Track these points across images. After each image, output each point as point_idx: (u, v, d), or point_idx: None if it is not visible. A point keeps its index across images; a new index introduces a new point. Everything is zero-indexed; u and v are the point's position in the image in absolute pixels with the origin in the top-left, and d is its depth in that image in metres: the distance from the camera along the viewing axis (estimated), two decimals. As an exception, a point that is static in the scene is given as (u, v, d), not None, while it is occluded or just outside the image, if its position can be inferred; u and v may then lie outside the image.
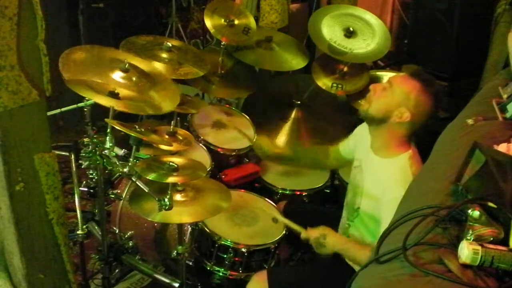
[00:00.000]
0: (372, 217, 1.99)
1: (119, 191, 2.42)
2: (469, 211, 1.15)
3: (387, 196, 1.88)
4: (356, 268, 2.01)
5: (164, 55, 2.42)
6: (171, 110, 2.17)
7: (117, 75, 1.86)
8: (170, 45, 2.44)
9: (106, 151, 1.88)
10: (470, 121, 1.70)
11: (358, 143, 2.19)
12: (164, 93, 1.91)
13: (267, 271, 2.10)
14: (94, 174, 2.07)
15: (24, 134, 1.68)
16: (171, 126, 2.21)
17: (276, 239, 2.31)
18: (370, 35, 2.86)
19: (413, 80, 1.92)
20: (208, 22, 2.89)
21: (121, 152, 1.89)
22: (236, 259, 2.27)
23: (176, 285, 2.15)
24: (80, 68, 1.77)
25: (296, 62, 3.07)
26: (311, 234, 2.05)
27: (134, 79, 1.89)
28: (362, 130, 2.15)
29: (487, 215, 1.14)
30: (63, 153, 2.36)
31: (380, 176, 1.95)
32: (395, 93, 1.91)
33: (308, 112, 2.98)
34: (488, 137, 1.53)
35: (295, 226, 2.19)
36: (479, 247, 1.06)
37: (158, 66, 2.31)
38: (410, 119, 1.89)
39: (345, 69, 2.90)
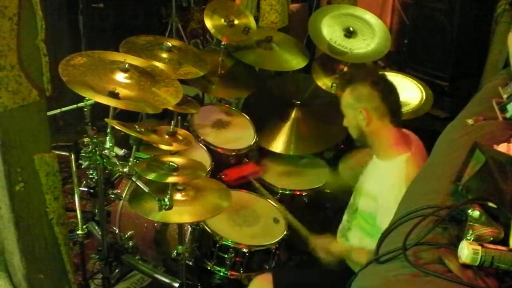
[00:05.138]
0: (369, 216, 2.01)
1: (119, 191, 2.42)
2: (469, 211, 1.15)
3: (382, 201, 1.91)
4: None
5: (164, 55, 2.41)
6: (172, 108, 2.17)
7: (118, 76, 1.86)
8: (170, 45, 2.44)
9: (106, 151, 1.87)
10: (470, 121, 1.70)
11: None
12: (166, 89, 1.90)
13: (272, 273, 2.10)
14: (94, 174, 2.07)
15: (24, 134, 1.68)
16: (171, 126, 2.21)
17: (277, 239, 2.31)
18: (370, 35, 2.86)
19: (344, 91, 2.04)
20: (208, 22, 2.89)
21: (121, 152, 1.89)
22: (237, 259, 2.27)
23: (176, 285, 2.15)
24: (80, 71, 1.77)
25: (296, 62, 3.07)
26: (318, 242, 2.12)
27: (134, 78, 1.89)
28: None
29: (487, 215, 1.14)
30: (63, 153, 2.35)
31: (379, 176, 1.99)
32: (346, 112, 2.03)
33: (308, 112, 2.98)
34: (488, 137, 1.53)
35: (303, 230, 2.24)
36: (479, 247, 1.06)
37: (159, 66, 2.31)
38: (366, 115, 1.94)
39: (345, 69, 2.90)
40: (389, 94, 1.97)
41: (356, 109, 1.97)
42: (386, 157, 1.99)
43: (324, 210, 2.83)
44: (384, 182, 1.94)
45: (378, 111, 1.95)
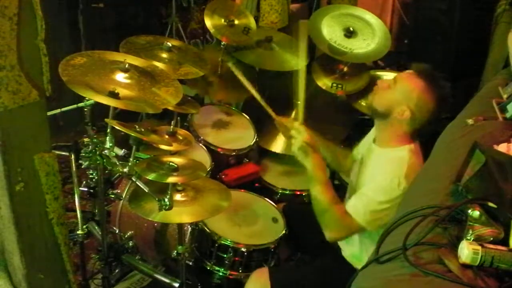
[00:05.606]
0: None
1: (119, 191, 2.42)
2: (469, 211, 1.15)
3: (375, 180, 1.90)
4: (357, 267, 2.01)
5: (164, 55, 2.41)
6: (173, 107, 2.17)
7: (118, 76, 1.86)
8: (170, 45, 2.43)
9: (106, 151, 1.87)
10: (470, 121, 1.70)
11: (364, 141, 2.25)
12: (166, 89, 1.91)
13: (268, 270, 2.10)
14: (94, 174, 2.07)
15: (24, 134, 1.68)
16: (171, 126, 2.21)
17: (275, 239, 2.31)
18: (370, 35, 2.86)
19: (417, 78, 1.92)
20: (208, 22, 2.89)
21: (121, 152, 1.89)
22: (236, 259, 2.27)
23: (176, 285, 2.15)
24: (80, 71, 1.77)
25: (296, 62, 3.07)
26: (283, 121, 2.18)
27: (134, 78, 1.89)
28: (371, 131, 2.20)
29: (487, 215, 1.14)
30: (63, 153, 2.35)
31: (377, 163, 1.97)
32: (398, 91, 1.93)
33: (308, 112, 2.97)
34: (488, 137, 1.53)
35: (270, 110, 2.26)
36: (479, 247, 1.06)
37: (159, 66, 2.30)
38: (410, 117, 1.91)
39: (345, 69, 2.90)
40: (436, 121, 1.93)
41: (405, 101, 1.90)
42: (387, 146, 1.99)
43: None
44: (383, 166, 1.92)
45: (415, 121, 1.92)
